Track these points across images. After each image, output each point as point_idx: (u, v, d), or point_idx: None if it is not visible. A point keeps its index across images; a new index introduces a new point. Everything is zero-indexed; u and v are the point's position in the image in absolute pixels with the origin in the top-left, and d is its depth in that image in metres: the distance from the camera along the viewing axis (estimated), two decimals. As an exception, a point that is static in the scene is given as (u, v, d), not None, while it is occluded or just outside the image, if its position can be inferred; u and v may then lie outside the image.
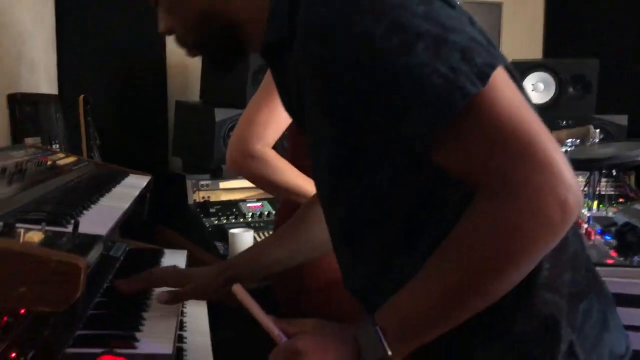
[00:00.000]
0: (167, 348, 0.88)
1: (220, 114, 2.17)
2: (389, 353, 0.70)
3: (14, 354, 0.76)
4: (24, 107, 1.93)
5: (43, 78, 2.18)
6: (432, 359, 0.76)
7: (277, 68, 0.86)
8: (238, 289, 0.83)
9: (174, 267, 1.18)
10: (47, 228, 0.77)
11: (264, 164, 1.31)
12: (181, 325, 1.30)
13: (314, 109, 0.75)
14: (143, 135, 2.50)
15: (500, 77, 0.66)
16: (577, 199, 0.64)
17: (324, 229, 0.96)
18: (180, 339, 1.24)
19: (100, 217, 0.95)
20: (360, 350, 0.72)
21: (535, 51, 3.20)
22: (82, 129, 1.87)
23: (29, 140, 1.72)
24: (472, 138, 0.66)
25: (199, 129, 2.26)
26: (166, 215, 2.33)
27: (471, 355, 0.76)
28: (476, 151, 0.66)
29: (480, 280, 0.67)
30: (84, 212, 0.96)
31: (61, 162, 1.40)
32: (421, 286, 0.70)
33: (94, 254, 0.76)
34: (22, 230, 0.72)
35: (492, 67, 0.65)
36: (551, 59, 2.94)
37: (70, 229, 0.82)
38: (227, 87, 2.26)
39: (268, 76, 1.32)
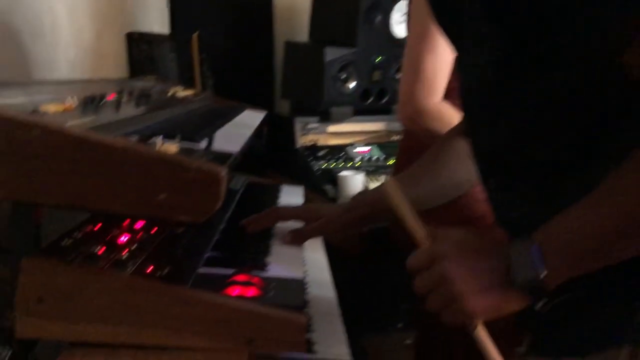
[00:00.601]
0: (298, 273, 0.85)
1: (330, 54, 2.10)
2: (542, 275, 0.61)
3: (151, 268, 0.75)
4: (141, 45, 1.96)
5: (156, 18, 2.20)
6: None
7: None
8: (392, 186, 0.74)
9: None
10: (181, 143, 0.75)
11: (439, 121, 1.23)
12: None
13: (477, 3, 0.66)
14: (250, 77, 2.48)
15: None
16: None
17: (463, 165, 0.88)
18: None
19: (228, 140, 0.92)
20: (510, 267, 0.63)
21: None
22: (196, 67, 1.87)
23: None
24: None
25: (308, 69, 2.21)
26: (274, 158, 2.32)
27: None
28: None
29: None
30: (212, 136, 0.93)
31: (181, 94, 1.40)
32: (597, 204, 0.61)
33: (229, 168, 0.73)
34: (158, 142, 0.69)
35: None
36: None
37: (202, 146, 0.80)
38: (337, 26, 2.18)
39: (418, 18, 1.22)
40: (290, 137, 2.20)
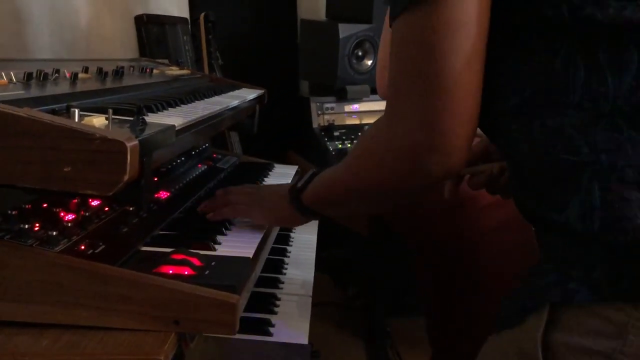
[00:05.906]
0: (247, 252, 0.81)
1: (345, 30, 2.03)
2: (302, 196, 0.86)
3: (83, 246, 0.73)
4: (150, 28, 1.94)
5: (172, 1, 2.18)
6: None
7: None
8: None
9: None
10: (114, 116, 0.71)
11: None
12: (287, 240, 1.24)
13: None
14: (273, 58, 2.45)
15: None
16: None
17: None
18: (283, 252, 1.18)
19: (180, 114, 0.88)
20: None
21: None
22: (204, 47, 1.85)
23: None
24: None
25: (323, 47, 2.15)
26: (293, 139, 2.29)
27: None
28: None
29: None
30: (166, 109, 0.90)
31: (170, 72, 1.37)
32: (337, 167, 0.80)
33: (157, 140, 0.69)
34: (77, 111, 0.66)
35: None
36: None
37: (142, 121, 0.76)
38: (353, 2, 2.11)
39: None
40: (308, 117, 2.16)
